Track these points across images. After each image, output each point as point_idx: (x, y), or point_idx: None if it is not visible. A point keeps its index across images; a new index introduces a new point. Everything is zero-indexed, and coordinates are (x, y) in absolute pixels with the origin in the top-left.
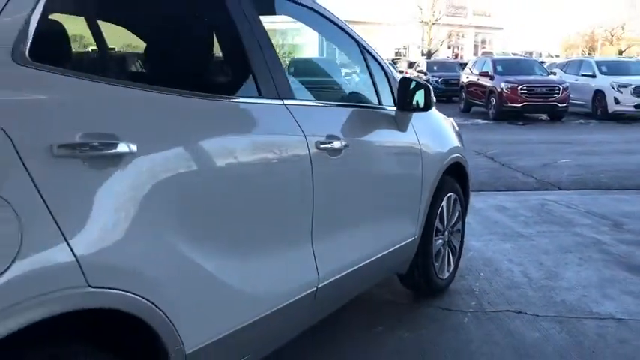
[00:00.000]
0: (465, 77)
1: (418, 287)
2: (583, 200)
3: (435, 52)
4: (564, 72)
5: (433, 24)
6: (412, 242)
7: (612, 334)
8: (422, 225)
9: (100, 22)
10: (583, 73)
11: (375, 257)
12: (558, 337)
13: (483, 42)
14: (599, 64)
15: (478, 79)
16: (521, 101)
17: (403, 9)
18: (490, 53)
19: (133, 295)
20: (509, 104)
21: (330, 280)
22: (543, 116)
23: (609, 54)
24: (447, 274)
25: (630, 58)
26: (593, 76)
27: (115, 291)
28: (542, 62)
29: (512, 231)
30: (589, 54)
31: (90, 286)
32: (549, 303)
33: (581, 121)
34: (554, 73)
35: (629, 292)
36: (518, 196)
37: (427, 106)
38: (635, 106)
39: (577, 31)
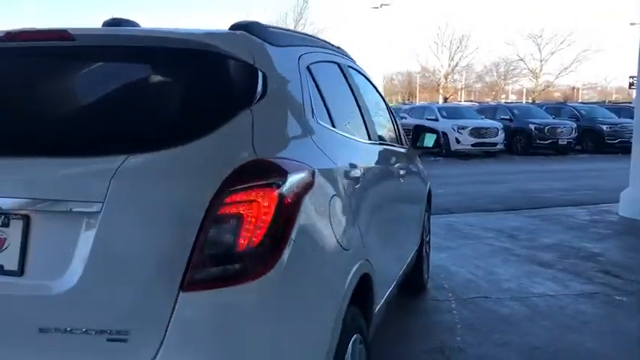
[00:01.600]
0: None
1: (414, 284)
2: (477, 220)
3: None
4: (410, 116)
5: None
6: (418, 248)
7: (554, 304)
8: (421, 236)
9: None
10: (427, 117)
11: (411, 256)
12: (521, 310)
13: None
14: (440, 109)
15: None
16: None
17: None
18: None
19: (370, 265)
20: None
21: (400, 272)
22: None
23: (426, 99)
24: (426, 276)
25: (461, 103)
26: (436, 119)
27: (368, 262)
28: None
29: (440, 244)
30: (408, 99)
31: (367, 260)
32: (501, 290)
33: (432, 158)
34: (405, 117)
35: (548, 278)
36: None
37: (438, 146)
38: (473, 145)
39: (399, 79)
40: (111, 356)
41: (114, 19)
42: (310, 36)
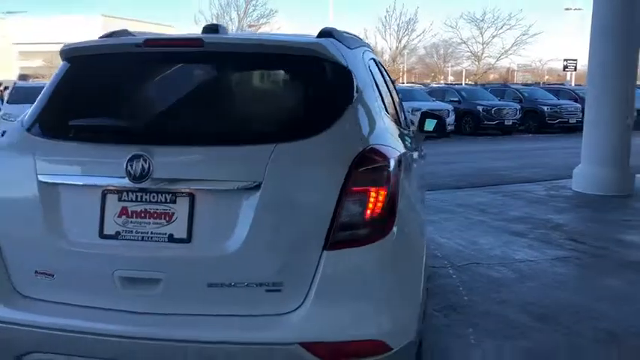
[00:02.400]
0: None
1: None
2: (448, 197)
3: None
4: None
5: None
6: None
7: (536, 268)
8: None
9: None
10: None
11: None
12: (509, 273)
13: None
14: None
15: None
16: None
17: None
18: None
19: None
20: None
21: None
22: None
23: None
24: None
25: (412, 85)
26: None
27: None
28: None
29: None
30: None
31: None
32: (489, 257)
33: None
34: None
35: (525, 246)
36: None
37: (443, 130)
38: None
39: None
40: (267, 303)
41: (212, 25)
42: (356, 36)
